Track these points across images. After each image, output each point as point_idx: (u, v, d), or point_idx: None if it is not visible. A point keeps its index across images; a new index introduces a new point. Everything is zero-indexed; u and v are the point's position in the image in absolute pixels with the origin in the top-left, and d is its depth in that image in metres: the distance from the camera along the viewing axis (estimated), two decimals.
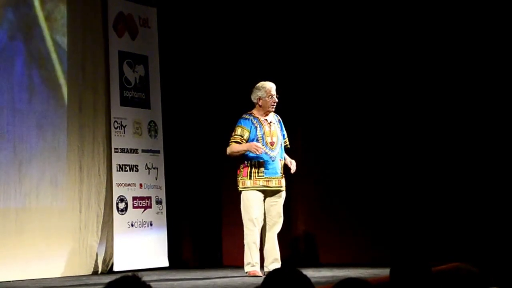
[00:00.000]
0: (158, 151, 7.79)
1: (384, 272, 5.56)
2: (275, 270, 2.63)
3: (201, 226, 8.26)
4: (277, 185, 6.33)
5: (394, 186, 7.45)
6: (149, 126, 7.75)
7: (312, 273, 6.17)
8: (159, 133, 7.83)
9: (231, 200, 7.72)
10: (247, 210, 6.27)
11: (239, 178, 6.34)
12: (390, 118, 7.56)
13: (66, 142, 7.12)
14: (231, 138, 6.35)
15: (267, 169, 6.29)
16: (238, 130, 6.33)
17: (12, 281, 6.42)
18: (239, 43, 8.15)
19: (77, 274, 6.98)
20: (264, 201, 6.34)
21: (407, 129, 7.47)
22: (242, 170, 6.33)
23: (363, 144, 7.67)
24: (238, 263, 7.23)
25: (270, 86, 6.38)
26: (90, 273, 7.10)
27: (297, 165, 6.51)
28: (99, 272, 7.17)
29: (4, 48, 6.77)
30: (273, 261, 6.34)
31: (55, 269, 6.87)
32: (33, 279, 6.54)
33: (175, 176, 7.96)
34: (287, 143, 6.55)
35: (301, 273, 2.57)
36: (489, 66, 7.15)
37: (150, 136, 7.75)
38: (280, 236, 6.50)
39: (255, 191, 6.28)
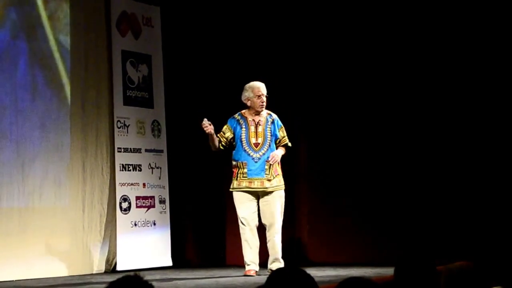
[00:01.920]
0: (161, 151, 7.78)
1: (389, 271, 5.55)
2: (279, 270, 2.63)
3: (204, 226, 8.25)
4: (260, 186, 6.34)
5: (398, 185, 7.45)
6: (152, 126, 7.75)
7: (315, 272, 6.16)
8: (163, 132, 7.82)
9: (233, 200, 7.72)
10: (237, 210, 6.39)
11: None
12: (393, 117, 7.56)
13: (69, 141, 7.12)
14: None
15: (250, 170, 6.32)
16: (223, 127, 6.46)
17: (15, 280, 6.42)
18: (243, 43, 8.15)
19: (80, 274, 6.97)
20: (258, 201, 6.37)
21: (409, 128, 7.48)
22: (233, 171, 6.43)
23: (366, 144, 7.67)
24: (241, 263, 7.23)
25: (257, 86, 6.41)
26: (94, 272, 7.10)
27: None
28: (103, 271, 7.17)
29: (7, 47, 6.76)
30: (274, 261, 6.35)
31: (58, 268, 6.87)
32: (36, 279, 6.53)
33: (178, 175, 7.96)
34: (286, 141, 6.49)
35: (305, 272, 2.57)
36: (490, 66, 7.15)
37: (154, 135, 7.75)
38: (284, 235, 6.50)
39: (240, 192, 6.35)
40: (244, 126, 6.37)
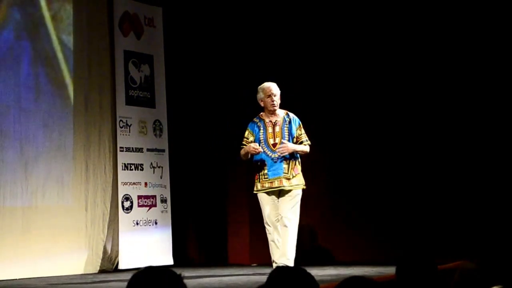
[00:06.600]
0: (163, 150, 7.81)
1: (390, 270, 5.58)
2: (279, 268, 2.64)
3: (206, 225, 8.28)
4: (279, 185, 6.29)
5: (400, 184, 7.47)
6: (154, 125, 7.77)
7: (316, 272, 6.17)
8: (164, 132, 7.84)
9: (235, 199, 7.75)
10: (262, 211, 6.37)
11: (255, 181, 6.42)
12: (394, 117, 7.58)
13: (72, 141, 7.15)
14: (242, 141, 6.43)
15: (270, 171, 6.30)
16: (245, 133, 6.42)
17: (19, 279, 6.45)
18: (244, 43, 8.16)
19: (83, 272, 7.01)
20: (278, 201, 6.35)
21: (410, 127, 7.49)
22: (254, 173, 6.41)
23: (366, 143, 7.69)
24: (243, 261, 7.26)
25: (267, 86, 6.39)
26: (96, 271, 7.12)
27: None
28: (105, 270, 7.19)
29: (10, 47, 6.79)
30: (281, 256, 6.29)
31: (61, 267, 6.89)
32: (39, 277, 6.57)
33: (179, 175, 7.98)
34: (302, 139, 6.37)
35: (306, 271, 2.59)
36: (491, 67, 7.18)
37: (155, 135, 7.77)
38: None
39: (263, 193, 6.34)
40: (262, 128, 6.38)
